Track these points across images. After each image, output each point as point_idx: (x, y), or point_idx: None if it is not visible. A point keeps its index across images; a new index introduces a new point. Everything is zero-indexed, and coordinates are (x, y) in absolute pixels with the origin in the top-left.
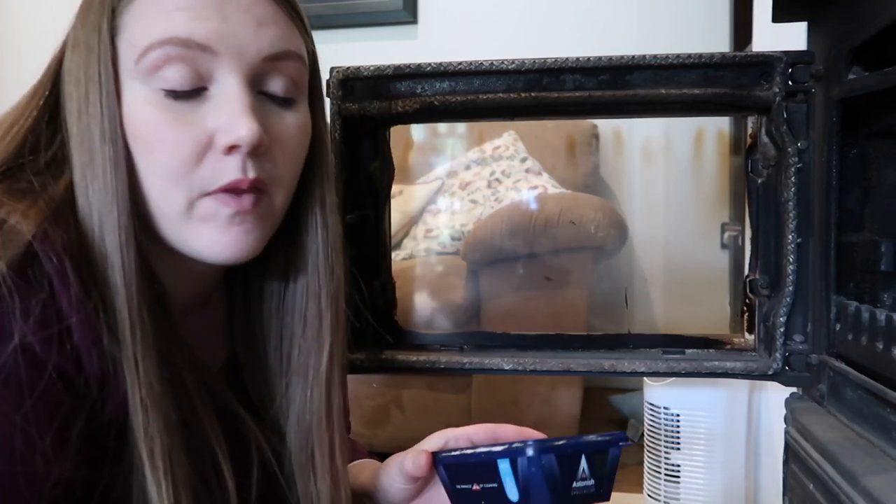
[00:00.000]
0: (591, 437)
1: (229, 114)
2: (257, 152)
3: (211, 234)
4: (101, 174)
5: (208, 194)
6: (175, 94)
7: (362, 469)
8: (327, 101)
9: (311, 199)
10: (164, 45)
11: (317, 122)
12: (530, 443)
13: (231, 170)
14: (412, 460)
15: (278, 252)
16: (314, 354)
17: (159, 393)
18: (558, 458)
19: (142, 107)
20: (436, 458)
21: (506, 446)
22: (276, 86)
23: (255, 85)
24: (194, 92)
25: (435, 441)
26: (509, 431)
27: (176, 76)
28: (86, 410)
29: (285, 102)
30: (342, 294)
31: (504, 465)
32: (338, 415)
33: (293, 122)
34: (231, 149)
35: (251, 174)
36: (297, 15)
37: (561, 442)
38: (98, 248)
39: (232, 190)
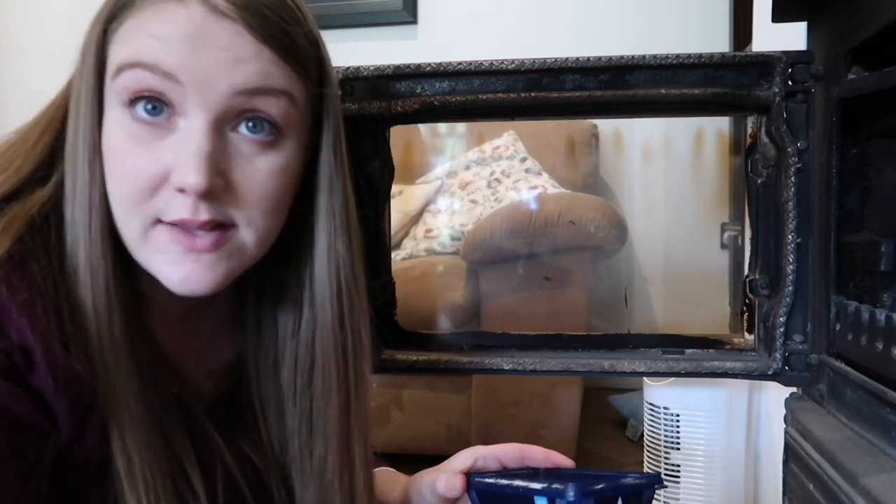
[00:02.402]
0: (628, 479)
1: (184, 156)
2: (209, 198)
3: (164, 266)
4: (81, 191)
5: (162, 222)
6: (141, 122)
7: (390, 482)
8: None
9: (319, 242)
10: (133, 68)
11: (320, 161)
12: (570, 485)
13: (182, 208)
14: (445, 481)
15: (293, 285)
16: (323, 409)
17: (138, 401)
18: (596, 500)
19: (113, 128)
20: (469, 480)
21: (543, 484)
22: (256, 124)
23: (229, 122)
24: (162, 122)
25: (463, 459)
26: (537, 454)
27: (144, 101)
28: (52, 456)
29: (262, 144)
30: (361, 343)
31: (542, 503)
32: (362, 465)
33: (265, 165)
34: (181, 190)
35: (203, 216)
36: (291, 57)
37: (599, 485)
38: (77, 258)
39: (184, 226)
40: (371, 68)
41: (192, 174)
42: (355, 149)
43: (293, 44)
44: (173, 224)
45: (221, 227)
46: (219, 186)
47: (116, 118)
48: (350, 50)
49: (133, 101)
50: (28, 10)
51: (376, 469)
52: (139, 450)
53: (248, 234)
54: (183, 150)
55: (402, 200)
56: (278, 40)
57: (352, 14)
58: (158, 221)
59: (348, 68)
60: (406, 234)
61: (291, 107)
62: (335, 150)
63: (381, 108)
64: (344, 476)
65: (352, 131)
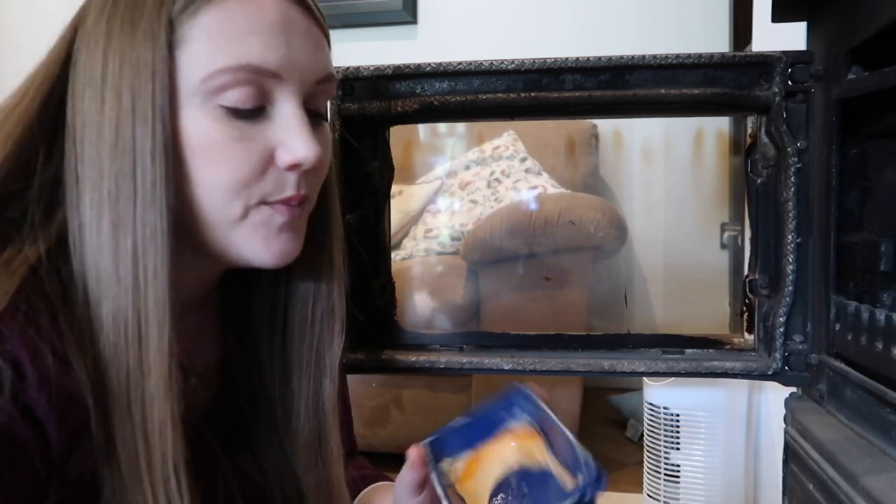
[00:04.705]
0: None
1: (293, 134)
2: (313, 170)
3: (262, 241)
4: (148, 188)
5: (265, 203)
6: (237, 113)
7: (386, 496)
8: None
9: (321, 201)
10: (237, 71)
11: None
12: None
13: (289, 185)
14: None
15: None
16: (327, 349)
17: (143, 419)
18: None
19: (203, 123)
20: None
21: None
22: (318, 105)
23: (305, 105)
24: (255, 111)
25: None
26: None
27: (241, 97)
28: (44, 472)
29: (321, 119)
30: (343, 290)
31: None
32: (331, 411)
33: (327, 139)
34: (293, 167)
35: (303, 190)
36: (328, 40)
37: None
38: (111, 260)
39: (286, 203)
40: (371, 68)
41: (305, 148)
42: (355, 149)
43: (327, 30)
44: (277, 203)
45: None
46: (323, 160)
47: (206, 114)
48: (350, 50)
49: (226, 97)
50: (28, 10)
51: (376, 484)
52: (141, 465)
53: (311, 204)
54: (289, 129)
55: (402, 200)
56: (325, 27)
57: (352, 14)
58: (261, 203)
59: (348, 68)
60: (406, 234)
61: (333, 90)
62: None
63: (381, 108)
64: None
65: (352, 131)
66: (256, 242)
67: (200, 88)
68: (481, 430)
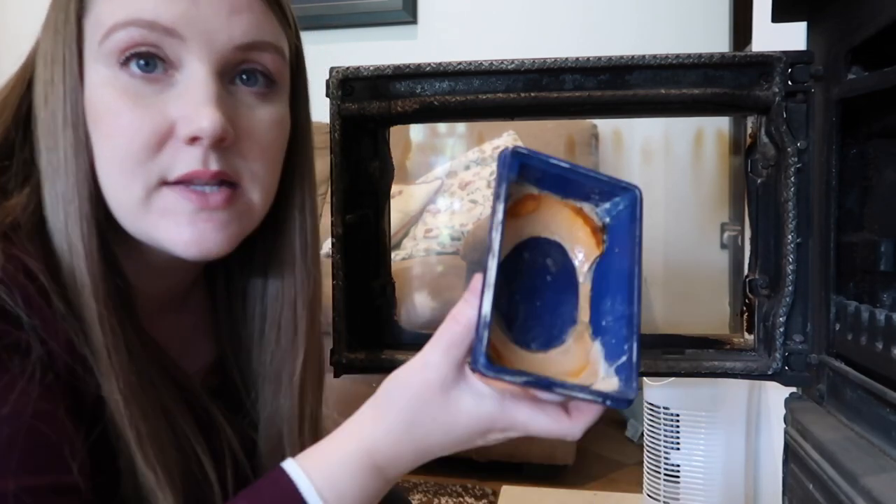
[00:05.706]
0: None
1: (192, 103)
2: (221, 145)
3: (174, 228)
4: (63, 160)
5: (167, 184)
6: (138, 78)
7: None
8: (327, 101)
9: (292, 201)
10: (128, 27)
11: (299, 120)
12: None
13: (191, 160)
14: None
15: (259, 253)
16: (288, 362)
17: (135, 383)
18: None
19: (102, 89)
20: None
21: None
22: (250, 77)
23: (227, 74)
24: (159, 77)
25: None
26: None
27: (134, 55)
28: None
29: (259, 95)
30: (319, 300)
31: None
32: (310, 424)
33: (267, 115)
34: (192, 140)
35: (213, 166)
36: (279, 7)
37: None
38: (64, 240)
39: (192, 182)
40: (371, 68)
41: (206, 118)
42: (355, 149)
43: (275, 1)
44: (180, 183)
45: (229, 185)
46: (229, 134)
47: (106, 79)
48: (350, 50)
49: (126, 60)
50: (28, 10)
51: None
52: (142, 419)
53: (255, 191)
54: (189, 98)
55: (402, 200)
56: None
57: (352, 14)
58: (163, 183)
59: (348, 68)
60: (406, 234)
61: (281, 60)
62: (305, 108)
63: (381, 108)
64: (303, 425)
65: (352, 131)
66: (169, 228)
67: (100, 52)
68: (565, 183)
